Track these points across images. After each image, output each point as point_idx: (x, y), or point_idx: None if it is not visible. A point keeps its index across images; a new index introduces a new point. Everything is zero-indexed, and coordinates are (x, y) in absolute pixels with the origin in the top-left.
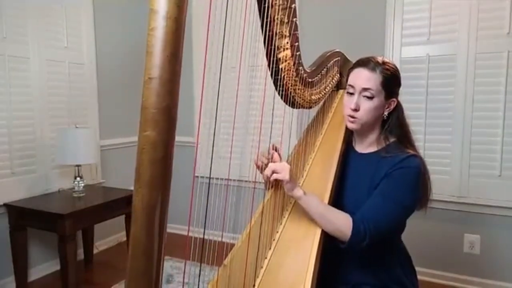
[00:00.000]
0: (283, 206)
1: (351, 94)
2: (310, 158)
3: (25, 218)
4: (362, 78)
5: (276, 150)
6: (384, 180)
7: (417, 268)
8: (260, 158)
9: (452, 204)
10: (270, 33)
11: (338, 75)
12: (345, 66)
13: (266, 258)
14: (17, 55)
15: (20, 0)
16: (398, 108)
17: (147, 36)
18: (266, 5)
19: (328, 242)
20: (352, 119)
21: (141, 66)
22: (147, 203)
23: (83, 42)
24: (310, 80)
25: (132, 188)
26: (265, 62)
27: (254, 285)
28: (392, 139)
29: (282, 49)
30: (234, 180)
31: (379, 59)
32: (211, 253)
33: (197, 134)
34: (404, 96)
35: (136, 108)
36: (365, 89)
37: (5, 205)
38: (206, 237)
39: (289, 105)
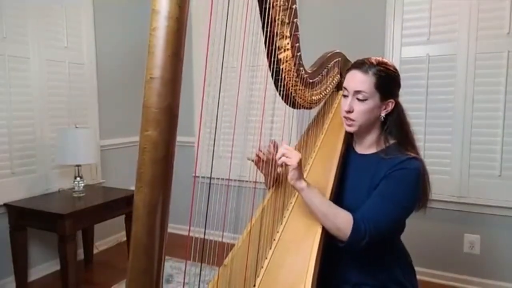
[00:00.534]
0: (283, 206)
1: (346, 96)
2: (311, 158)
3: (25, 218)
4: (354, 80)
5: (275, 147)
6: (383, 181)
7: (417, 268)
8: (262, 150)
9: (452, 204)
10: (271, 33)
11: (339, 75)
12: (346, 67)
13: (266, 258)
14: (17, 55)
15: (20, 0)
16: (397, 109)
17: (149, 36)
18: (267, 6)
19: (328, 241)
20: (348, 122)
21: (141, 66)
22: (149, 203)
23: (83, 42)
24: (310, 80)
25: (132, 188)
26: (265, 62)
27: (254, 285)
28: (392, 140)
29: (283, 50)
30: (234, 180)
31: (375, 60)
32: (211, 253)
33: (197, 134)
34: (404, 96)
35: (136, 108)
36: (357, 92)
37: (5, 205)
38: (206, 237)
39: (289, 106)
